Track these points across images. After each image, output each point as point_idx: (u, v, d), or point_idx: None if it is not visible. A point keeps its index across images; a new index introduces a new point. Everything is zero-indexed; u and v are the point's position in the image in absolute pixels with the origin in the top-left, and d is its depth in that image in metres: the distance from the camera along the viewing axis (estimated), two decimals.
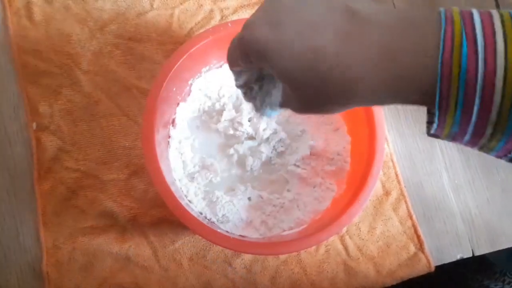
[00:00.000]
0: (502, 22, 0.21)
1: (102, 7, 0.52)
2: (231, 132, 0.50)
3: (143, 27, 0.52)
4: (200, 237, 0.48)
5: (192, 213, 0.41)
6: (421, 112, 0.49)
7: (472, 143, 0.24)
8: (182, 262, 0.49)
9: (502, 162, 0.25)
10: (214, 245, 0.49)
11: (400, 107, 0.55)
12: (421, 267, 0.51)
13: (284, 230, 0.47)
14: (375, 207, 0.52)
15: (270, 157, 0.51)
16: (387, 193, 0.53)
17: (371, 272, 0.50)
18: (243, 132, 0.49)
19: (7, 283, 0.46)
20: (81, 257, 0.47)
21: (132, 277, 0.48)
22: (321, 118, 0.51)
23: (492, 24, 0.21)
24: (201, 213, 0.47)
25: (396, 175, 0.53)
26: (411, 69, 0.22)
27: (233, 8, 0.55)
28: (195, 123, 0.51)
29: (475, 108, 0.21)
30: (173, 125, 0.49)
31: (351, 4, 0.25)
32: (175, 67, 0.43)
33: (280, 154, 0.51)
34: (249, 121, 0.50)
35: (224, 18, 0.55)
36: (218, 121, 0.50)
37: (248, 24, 0.28)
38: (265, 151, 0.50)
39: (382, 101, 0.25)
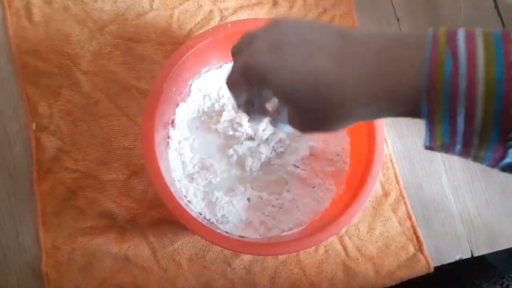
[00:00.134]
0: (484, 40, 0.23)
1: (101, 8, 0.52)
2: (231, 132, 0.50)
3: (143, 28, 0.53)
4: (199, 238, 0.48)
5: (192, 213, 0.41)
6: None
7: (465, 153, 0.25)
8: (181, 263, 0.49)
9: None
10: (214, 246, 0.49)
11: None
12: (420, 268, 0.51)
13: (284, 231, 0.47)
14: (374, 207, 0.52)
15: (270, 158, 0.51)
16: (386, 194, 0.53)
17: (370, 272, 0.50)
18: (242, 132, 0.49)
19: (7, 283, 0.46)
20: (81, 258, 0.47)
21: (132, 278, 0.48)
22: None
23: (475, 43, 0.23)
24: (200, 214, 0.47)
25: (395, 176, 0.53)
26: (401, 85, 0.24)
27: (233, 9, 0.55)
28: (194, 123, 0.51)
29: (460, 120, 0.23)
30: (172, 126, 0.49)
31: (345, 29, 0.27)
32: (175, 67, 0.43)
33: (280, 155, 0.51)
34: (248, 122, 0.50)
35: (223, 18, 0.55)
36: (218, 121, 0.50)
37: (247, 49, 0.29)
38: (265, 151, 0.50)
39: (378, 115, 0.27)
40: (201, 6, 0.54)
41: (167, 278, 0.48)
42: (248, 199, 0.49)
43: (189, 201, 0.47)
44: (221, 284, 0.49)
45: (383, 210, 0.52)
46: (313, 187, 0.49)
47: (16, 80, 0.50)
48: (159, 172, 0.41)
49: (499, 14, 0.61)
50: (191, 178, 0.49)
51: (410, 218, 0.53)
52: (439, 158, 0.55)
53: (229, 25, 0.44)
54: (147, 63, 0.52)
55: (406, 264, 0.51)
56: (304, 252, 0.50)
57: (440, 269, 0.52)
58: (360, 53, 0.26)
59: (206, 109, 0.51)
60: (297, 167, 0.50)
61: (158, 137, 0.43)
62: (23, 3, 0.51)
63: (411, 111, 0.25)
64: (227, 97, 0.51)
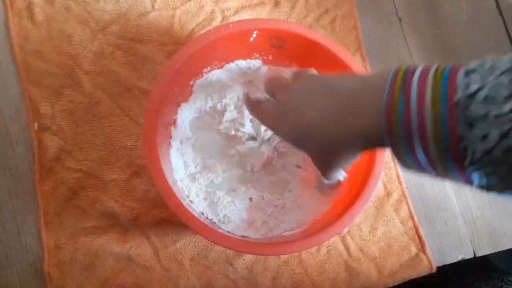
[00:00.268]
0: (434, 78, 0.25)
1: (103, 8, 0.52)
2: (233, 132, 0.50)
3: (145, 28, 0.53)
4: (201, 238, 0.48)
5: (194, 213, 0.41)
6: None
7: (437, 175, 0.27)
8: (183, 262, 0.49)
9: None
10: (216, 246, 0.49)
11: None
12: (423, 268, 0.51)
13: (286, 231, 0.47)
14: (376, 207, 0.52)
15: (272, 158, 0.51)
16: (388, 194, 0.53)
17: (373, 272, 0.50)
18: (244, 132, 0.49)
19: (9, 283, 0.46)
20: (83, 257, 0.47)
21: (134, 277, 0.48)
22: None
23: (426, 82, 0.25)
24: (202, 214, 0.47)
25: (398, 176, 0.53)
26: (369, 124, 0.28)
27: (235, 9, 0.55)
28: (196, 123, 0.51)
29: (419, 153, 0.25)
30: (174, 126, 0.49)
31: (332, 81, 0.32)
32: (177, 67, 0.43)
33: (282, 155, 0.51)
34: (250, 121, 0.50)
35: (225, 19, 0.55)
36: (220, 121, 0.50)
37: (264, 113, 0.39)
38: (267, 151, 0.50)
39: (360, 150, 0.31)
40: (203, 6, 0.54)
41: (169, 278, 0.48)
42: (250, 199, 0.49)
43: (191, 201, 0.47)
44: (223, 284, 0.49)
45: (385, 210, 0.52)
46: (315, 187, 0.49)
47: (18, 80, 0.50)
48: (161, 172, 0.41)
49: (500, 13, 0.61)
50: (193, 178, 0.49)
51: (412, 218, 0.52)
52: None
53: (231, 25, 0.44)
54: (149, 63, 0.52)
55: (409, 264, 0.51)
56: (306, 252, 0.50)
57: (442, 269, 0.52)
58: (337, 101, 0.31)
59: (208, 109, 0.51)
60: (299, 167, 0.50)
61: (160, 137, 0.43)
62: (25, 3, 0.51)
63: (382, 145, 0.28)
64: (229, 97, 0.51)
